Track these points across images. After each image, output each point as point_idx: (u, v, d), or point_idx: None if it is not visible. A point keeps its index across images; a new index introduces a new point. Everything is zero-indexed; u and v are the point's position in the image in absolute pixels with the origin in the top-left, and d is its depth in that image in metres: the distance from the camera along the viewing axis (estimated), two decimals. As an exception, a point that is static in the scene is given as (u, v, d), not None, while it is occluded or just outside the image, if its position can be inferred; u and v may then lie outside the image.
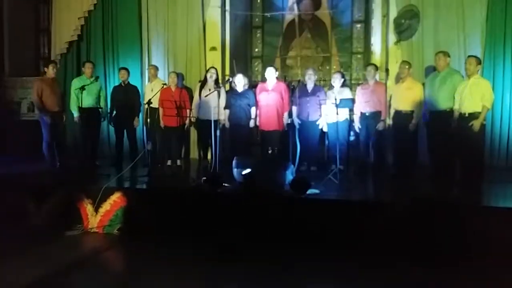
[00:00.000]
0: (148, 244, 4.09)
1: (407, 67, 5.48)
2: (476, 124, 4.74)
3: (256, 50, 8.38)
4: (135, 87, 6.58)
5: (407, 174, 5.32)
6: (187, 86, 6.79)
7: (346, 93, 5.83)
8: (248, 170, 4.52)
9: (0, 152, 6.07)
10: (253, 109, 5.89)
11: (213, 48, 7.18)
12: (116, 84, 6.85)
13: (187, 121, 6.07)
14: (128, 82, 6.47)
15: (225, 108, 5.92)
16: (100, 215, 4.55)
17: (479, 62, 5.02)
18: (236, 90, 5.96)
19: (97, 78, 6.26)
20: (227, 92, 6.17)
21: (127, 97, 6.32)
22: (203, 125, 5.95)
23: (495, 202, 4.37)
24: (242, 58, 7.98)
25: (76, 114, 6.10)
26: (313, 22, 8.06)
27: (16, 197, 4.80)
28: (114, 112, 6.39)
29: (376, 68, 5.89)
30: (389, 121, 5.67)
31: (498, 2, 5.91)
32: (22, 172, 5.83)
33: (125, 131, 6.40)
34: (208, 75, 6.03)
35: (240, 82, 5.91)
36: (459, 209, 3.84)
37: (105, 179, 4.99)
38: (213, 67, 6.24)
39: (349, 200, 4.30)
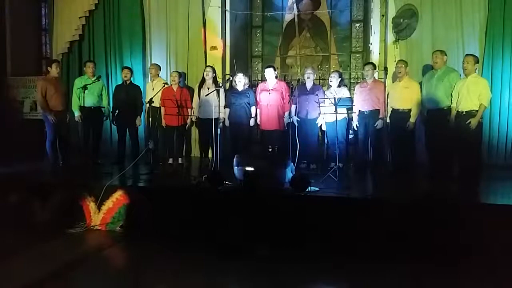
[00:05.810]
0: (150, 241, 4.13)
1: (403, 66, 5.53)
2: (473, 122, 4.77)
3: (256, 49, 8.41)
4: (138, 87, 6.61)
5: (405, 172, 5.36)
6: (188, 85, 6.84)
7: (344, 93, 5.87)
8: (249, 168, 4.55)
9: (3, 151, 6.10)
10: (253, 108, 5.94)
11: (214, 48, 7.23)
12: (119, 83, 6.90)
13: (188, 120, 6.11)
14: (131, 82, 6.51)
15: (225, 107, 5.96)
16: (103, 212, 4.60)
17: (476, 60, 5.05)
18: (236, 89, 5.99)
19: (99, 78, 6.31)
20: (227, 91, 6.21)
21: (129, 96, 6.34)
22: (204, 123, 6.00)
23: (493, 199, 4.39)
24: (242, 57, 8.01)
25: (77, 113, 6.14)
26: (312, 21, 8.09)
27: (19, 196, 4.86)
28: (117, 111, 6.41)
29: (374, 66, 5.92)
30: (387, 120, 5.72)
31: (497, 1, 5.93)
32: (25, 170, 5.86)
33: (127, 130, 6.44)
34: (205, 74, 6.07)
35: (240, 81, 5.94)
36: (457, 206, 3.88)
37: (107, 177, 5.04)
38: (208, 66, 6.27)
39: (348, 198, 4.33)
